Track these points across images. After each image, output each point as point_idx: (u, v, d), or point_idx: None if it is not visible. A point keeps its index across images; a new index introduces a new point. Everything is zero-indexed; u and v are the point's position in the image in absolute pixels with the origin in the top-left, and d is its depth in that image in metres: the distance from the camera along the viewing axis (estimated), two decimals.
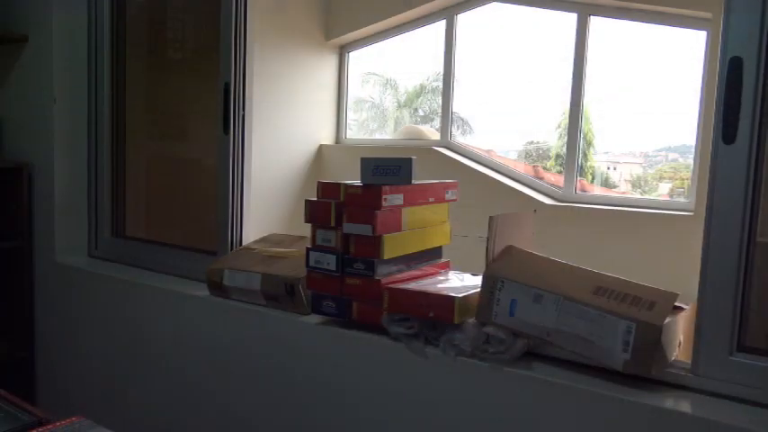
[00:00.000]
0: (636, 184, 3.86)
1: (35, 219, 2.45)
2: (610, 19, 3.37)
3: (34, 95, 2.41)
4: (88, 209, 2.46)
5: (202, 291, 1.89)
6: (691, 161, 3.22)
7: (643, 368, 1.17)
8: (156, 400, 2.01)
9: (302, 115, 4.04)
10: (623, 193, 3.81)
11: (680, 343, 1.31)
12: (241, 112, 1.99)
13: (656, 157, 3.78)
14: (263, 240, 2.01)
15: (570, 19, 3.40)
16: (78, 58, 2.40)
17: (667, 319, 1.19)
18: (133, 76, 2.47)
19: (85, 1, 2.40)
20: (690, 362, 1.24)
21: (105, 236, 2.45)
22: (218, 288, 1.83)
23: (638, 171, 3.86)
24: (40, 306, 2.46)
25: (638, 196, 3.64)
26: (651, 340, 1.16)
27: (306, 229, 1.61)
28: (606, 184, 3.90)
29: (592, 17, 3.35)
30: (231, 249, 2.01)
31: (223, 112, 1.98)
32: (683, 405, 1.15)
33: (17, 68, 2.47)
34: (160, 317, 1.99)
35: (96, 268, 2.29)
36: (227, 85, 1.97)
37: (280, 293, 1.68)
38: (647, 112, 3.50)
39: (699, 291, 1.23)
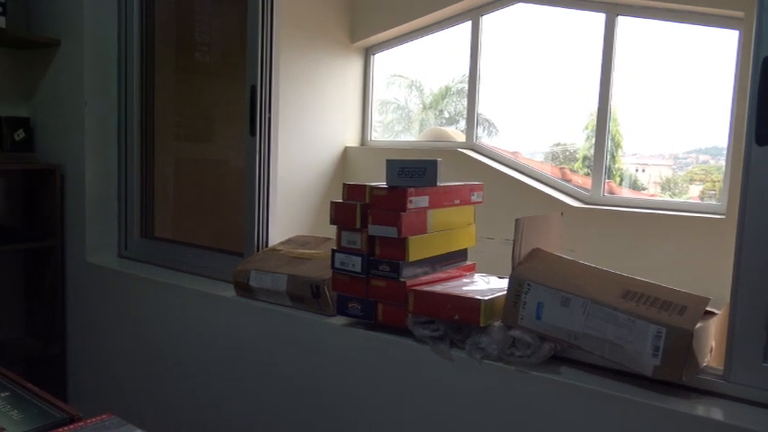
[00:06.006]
0: (665, 186, 3.80)
1: (67, 219, 2.50)
2: (638, 19, 3.33)
3: (66, 98, 2.46)
4: (118, 210, 2.50)
5: (229, 291, 1.91)
6: (722, 163, 3.16)
7: (673, 374, 1.15)
8: (183, 399, 2.04)
9: (327, 117, 4.05)
10: (652, 195, 3.76)
11: (711, 349, 1.28)
12: (267, 115, 2.01)
13: (686, 159, 3.72)
14: (288, 242, 2.02)
15: (598, 19, 3.37)
16: (109, 61, 2.45)
17: (699, 324, 1.16)
18: (162, 79, 2.51)
19: (116, 6, 2.44)
20: (722, 368, 1.22)
21: (134, 236, 2.49)
22: (244, 289, 1.84)
23: (667, 173, 3.79)
24: (71, 304, 2.50)
25: (668, 199, 3.58)
26: (682, 345, 1.14)
27: (331, 231, 1.62)
28: (635, 186, 3.85)
29: (620, 17, 3.31)
30: (257, 250, 2.02)
31: (250, 114, 2.00)
32: (714, 412, 1.13)
33: (50, 72, 2.52)
34: (187, 317, 2.01)
35: (125, 268, 2.32)
36: (253, 88, 1.98)
37: (305, 295, 1.69)
38: (677, 114, 3.45)
39: (731, 295, 1.20)
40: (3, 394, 1.09)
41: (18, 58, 2.59)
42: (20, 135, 2.54)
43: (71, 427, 0.99)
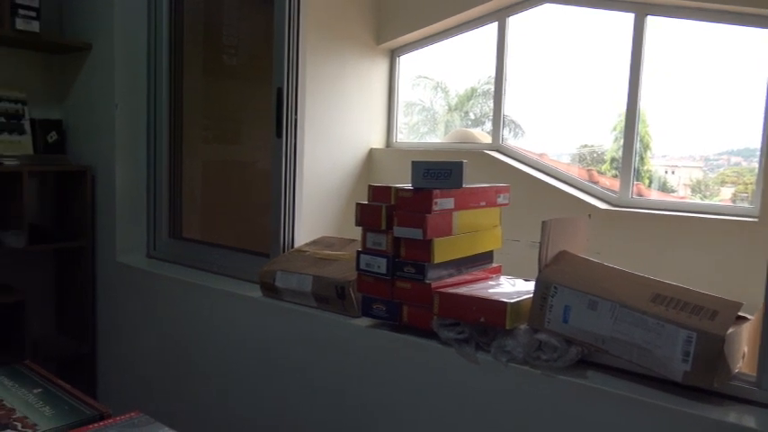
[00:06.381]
0: (696, 188, 3.73)
1: (97, 220, 2.54)
2: (668, 18, 3.27)
3: (97, 101, 2.50)
4: (147, 211, 2.54)
5: (255, 292, 1.93)
6: (755, 165, 3.09)
7: (704, 380, 1.13)
8: (210, 398, 2.06)
9: (353, 119, 4.07)
10: (682, 197, 3.69)
11: (744, 354, 1.25)
12: (293, 117, 2.02)
13: (717, 160, 3.64)
14: (314, 243, 2.03)
15: (627, 19, 3.32)
16: (138, 64, 2.49)
17: (730, 330, 1.14)
18: (190, 82, 2.54)
19: (146, 11, 2.48)
20: (755, 375, 1.19)
21: (163, 237, 2.53)
22: (270, 289, 1.86)
23: (698, 175, 3.72)
24: (101, 304, 2.55)
25: (699, 201, 3.51)
26: (713, 351, 1.11)
27: (356, 232, 1.62)
28: (664, 188, 3.78)
29: (649, 17, 3.26)
30: (283, 251, 2.03)
31: (276, 116, 2.02)
32: (747, 420, 1.10)
33: (82, 75, 2.57)
34: (215, 317, 2.03)
35: (154, 268, 2.36)
36: (279, 91, 2.00)
37: (330, 296, 1.69)
38: (708, 115, 3.38)
39: (765, 299, 1.18)
40: (35, 391, 1.12)
41: (51, 61, 2.65)
42: (52, 137, 2.59)
43: (101, 424, 1.00)
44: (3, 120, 2.43)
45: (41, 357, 2.48)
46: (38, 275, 2.65)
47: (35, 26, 2.34)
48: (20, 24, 2.30)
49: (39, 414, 1.02)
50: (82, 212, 2.52)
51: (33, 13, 2.33)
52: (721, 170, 3.62)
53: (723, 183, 3.61)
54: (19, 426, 0.98)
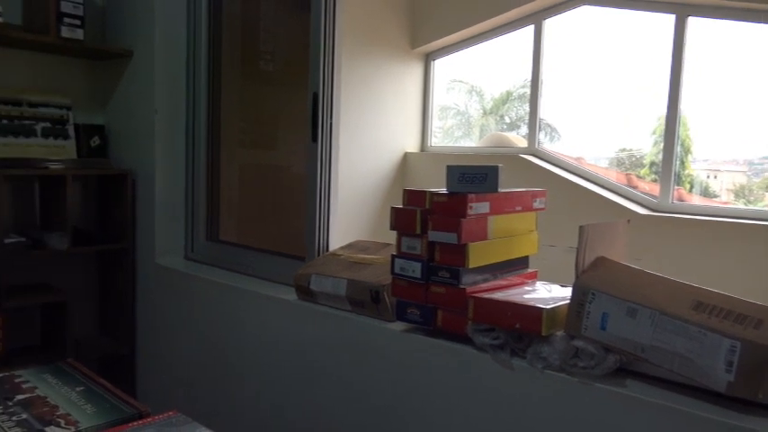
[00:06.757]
0: (739, 193, 3.62)
1: (138, 223, 2.60)
2: (710, 19, 3.20)
3: (138, 106, 2.56)
4: (185, 214, 2.59)
5: (290, 295, 1.94)
6: None
7: (749, 391, 1.09)
8: (245, 399, 2.08)
9: (388, 123, 4.07)
10: (725, 203, 3.59)
11: None
12: (329, 121, 2.04)
13: (761, 164, 3.53)
14: (349, 247, 2.04)
15: (667, 20, 3.25)
16: (178, 71, 2.54)
17: None
18: (228, 88, 2.58)
19: (185, 17, 2.53)
20: None
21: (201, 240, 2.57)
22: (305, 292, 1.87)
23: (741, 179, 3.62)
24: (140, 305, 2.60)
25: (742, 206, 3.41)
26: (758, 361, 1.08)
27: (391, 237, 1.62)
28: (706, 193, 3.68)
29: (690, 18, 3.19)
30: (318, 255, 2.05)
31: (312, 121, 2.03)
32: None
33: (123, 81, 2.64)
34: (250, 319, 2.06)
35: (192, 270, 2.40)
36: (315, 95, 2.01)
37: (365, 299, 1.70)
38: (752, 117, 3.29)
39: None
40: (78, 389, 1.14)
41: (94, 68, 2.72)
42: (95, 142, 2.66)
43: (140, 422, 1.02)
44: (48, 125, 2.50)
45: (84, 356, 2.54)
46: (80, 277, 2.72)
47: (79, 34, 2.41)
48: (65, 32, 2.37)
49: (81, 411, 1.05)
50: (123, 215, 2.57)
51: (78, 22, 2.40)
52: (766, 174, 3.51)
53: None
54: (62, 422, 1.00)
